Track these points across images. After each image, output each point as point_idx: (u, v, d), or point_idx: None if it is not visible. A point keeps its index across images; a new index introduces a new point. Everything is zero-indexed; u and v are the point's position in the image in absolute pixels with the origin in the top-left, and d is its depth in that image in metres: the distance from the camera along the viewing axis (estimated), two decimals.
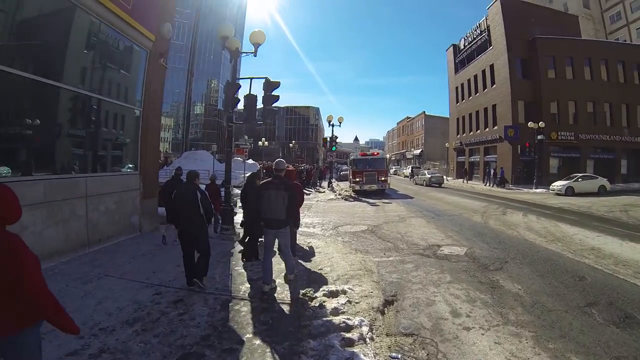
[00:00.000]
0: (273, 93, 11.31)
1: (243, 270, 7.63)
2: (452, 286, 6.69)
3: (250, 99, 11.13)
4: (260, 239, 8.02)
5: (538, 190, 29.86)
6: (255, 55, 11.12)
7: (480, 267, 7.91)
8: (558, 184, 27.33)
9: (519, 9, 38.89)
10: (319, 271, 7.64)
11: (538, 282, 6.90)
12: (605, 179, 27.73)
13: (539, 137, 32.32)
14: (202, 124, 75.12)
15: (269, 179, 6.72)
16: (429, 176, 37.97)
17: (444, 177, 42.89)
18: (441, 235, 11.45)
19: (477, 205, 19.31)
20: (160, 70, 12.07)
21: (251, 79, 12.01)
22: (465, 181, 43.12)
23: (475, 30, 44.54)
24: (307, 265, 8.14)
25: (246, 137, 36.25)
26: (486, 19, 41.73)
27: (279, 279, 6.93)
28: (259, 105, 11.49)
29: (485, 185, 37.86)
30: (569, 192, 26.06)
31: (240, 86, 11.43)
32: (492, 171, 38.17)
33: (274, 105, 11.48)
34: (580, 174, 28.43)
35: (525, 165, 35.75)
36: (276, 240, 6.79)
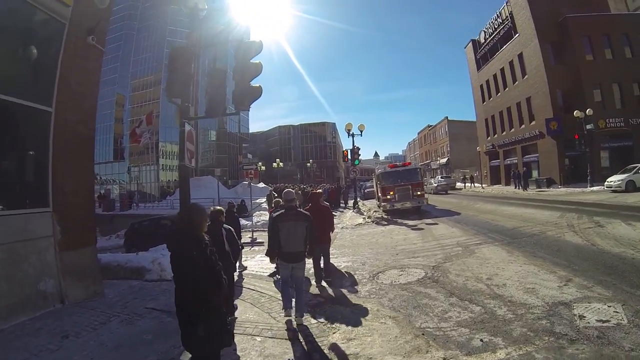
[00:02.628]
0: (253, 61, 7.16)
1: None
2: None
3: (216, 75, 7.48)
4: None
5: (595, 189, 25.54)
6: None
7: None
8: (615, 179, 23.20)
9: None
10: None
11: None
12: None
13: (588, 126, 28.09)
14: (215, 150, 71.85)
15: (283, 211, 6.49)
16: (435, 185, 34.69)
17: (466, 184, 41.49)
18: (549, 276, 7.24)
19: (547, 216, 15.19)
20: (90, 53, 8.61)
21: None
22: (517, 187, 37.95)
23: (496, 20, 40.98)
24: None
25: (250, 155, 32.69)
26: (507, 5, 38.06)
27: None
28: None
29: (517, 189, 34.80)
30: (630, 187, 21.95)
31: (195, 54, 7.75)
32: (519, 172, 35.77)
33: (256, 83, 7.12)
34: None
35: (572, 162, 31.22)
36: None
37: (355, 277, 9.06)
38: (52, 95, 7.67)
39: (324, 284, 8.58)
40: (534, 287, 6.67)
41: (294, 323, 6.08)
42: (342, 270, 9.86)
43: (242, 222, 21.86)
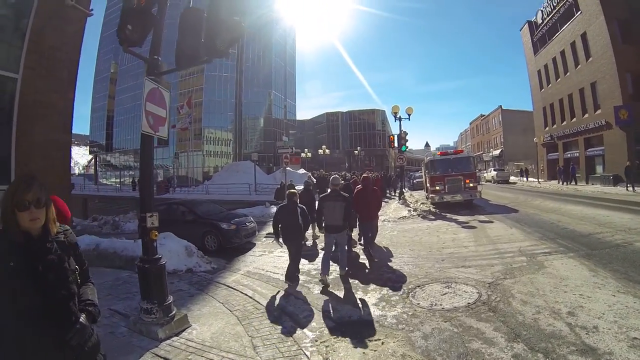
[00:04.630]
0: None
1: None
2: None
3: (191, 16, 5.29)
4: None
5: None
6: None
7: None
8: None
9: None
10: None
11: None
12: None
13: None
14: (263, 136, 71.21)
15: (328, 193, 8.26)
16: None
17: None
18: None
19: (627, 220, 12.53)
20: (69, 15, 7.67)
21: None
22: (563, 183, 35.40)
23: None
24: None
25: (285, 138, 30.82)
26: None
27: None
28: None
29: (562, 184, 34.48)
30: None
31: None
32: (568, 167, 35.24)
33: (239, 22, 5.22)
34: None
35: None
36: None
37: (384, 291, 7.05)
38: (19, 60, 6.70)
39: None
40: None
41: (323, 278, 7.75)
42: (368, 280, 7.95)
43: (274, 209, 20.54)
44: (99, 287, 7.04)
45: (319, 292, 7.34)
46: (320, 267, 8.14)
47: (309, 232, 10.90)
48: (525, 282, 6.75)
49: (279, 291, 7.44)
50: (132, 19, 5.16)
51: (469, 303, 5.98)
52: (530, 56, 45.67)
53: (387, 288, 7.17)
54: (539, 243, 9.99)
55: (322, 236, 10.89)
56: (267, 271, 9.21)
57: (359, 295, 7.03)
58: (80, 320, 2.20)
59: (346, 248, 8.48)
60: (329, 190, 8.33)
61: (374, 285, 7.45)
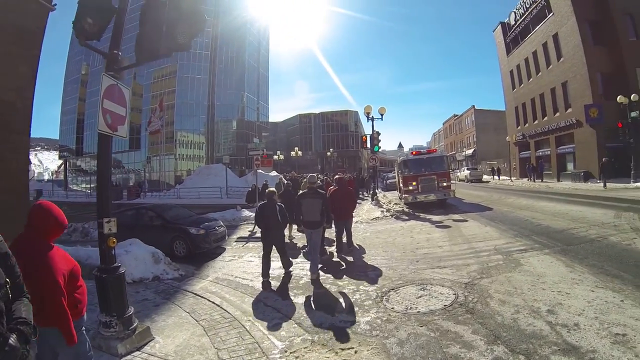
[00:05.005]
0: None
1: None
2: None
3: (152, 7, 5.04)
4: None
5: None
6: None
7: None
8: None
9: None
10: None
11: None
12: None
13: (633, 114, 25.17)
14: (236, 139, 70.72)
15: (305, 191, 8.90)
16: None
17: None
18: None
19: (600, 215, 12.64)
20: (29, 9, 7.43)
21: None
22: (531, 180, 36.41)
23: None
24: None
25: (256, 140, 30.16)
26: None
27: None
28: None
29: (530, 180, 36.13)
30: None
31: None
32: (533, 165, 37.50)
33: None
34: None
35: (612, 154, 28.20)
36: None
37: (357, 295, 6.74)
38: None
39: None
40: (626, 332, 4.32)
41: (313, 276, 8.01)
42: (341, 283, 7.67)
43: (246, 213, 20.07)
44: None
45: (289, 297, 7.04)
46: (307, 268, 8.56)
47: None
48: (502, 281, 6.54)
49: (247, 298, 7.11)
50: (90, 10, 4.83)
51: (445, 305, 5.72)
52: (503, 57, 46.17)
53: (360, 292, 6.86)
54: (514, 240, 9.86)
55: (296, 237, 12.37)
56: (236, 277, 8.85)
57: (330, 300, 6.72)
58: (10, 341, 1.91)
59: (318, 250, 8.71)
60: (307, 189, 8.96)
61: (347, 289, 7.14)
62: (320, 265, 8.62)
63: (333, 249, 10.74)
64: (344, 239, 10.53)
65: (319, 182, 10.39)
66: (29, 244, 2.98)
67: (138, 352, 4.92)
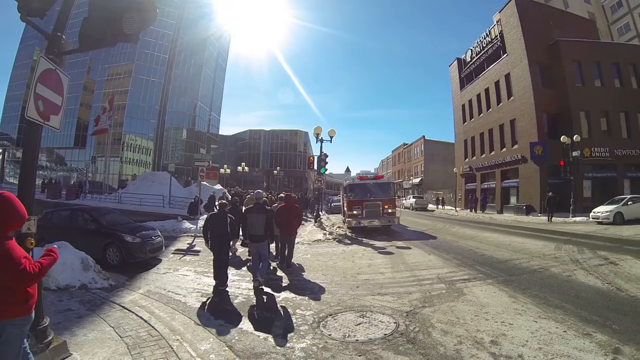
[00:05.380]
0: None
1: None
2: None
3: None
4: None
5: (578, 219, 24.15)
6: None
7: None
8: (602, 210, 21.55)
9: (534, 11, 34.62)
10: None
11: None
12: None
13: (574, 153, 26.30)
14: (185, 148, 69.36)
15: (252, 205, 9.46)
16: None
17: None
18: (584, 341, 4.90)
19: (540, 247, 12.97)
20: None
21: None
22: (473, 211, 38.24)
23: (485, 39, 39.45)
24: None
25: (203, 150, 29.17)
26: (497, 24, 36.84)
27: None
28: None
29: (472, 211, 38.03)
30: (618, 219, 20.44)
31: None
32: (476, 197, 39.48)
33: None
34: (629, 196, 22.73)
35: (553, 189, 29.28)
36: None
37: (293, 319, 6.32)
38: None
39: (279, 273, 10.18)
40: None
41: (255, 283, 8.35)
42: (277, 305, 7.21)
43: (187, 225, 19.37)
44: None
45: (222, 316, 6.58)
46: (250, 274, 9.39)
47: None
48: (445, 311, 6.31)
49: (178, 315, 6.59)
50: None
51: (385, 334, 5.39)
52: (457, 91, 47.41)
53: (297, 316, 6.46)
54: (457, 270, 9.73)
55: (239, 250, 13.16)
56: (168, 291, 8.31)
57: (265, 322, 6.27)
58: None
59: (267, 259, 9.36)
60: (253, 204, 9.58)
61: (282, 313, 6.73)
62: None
63: (275, 263, 10.91)
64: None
65: (264, 198, 10.52)
66: None
67: None
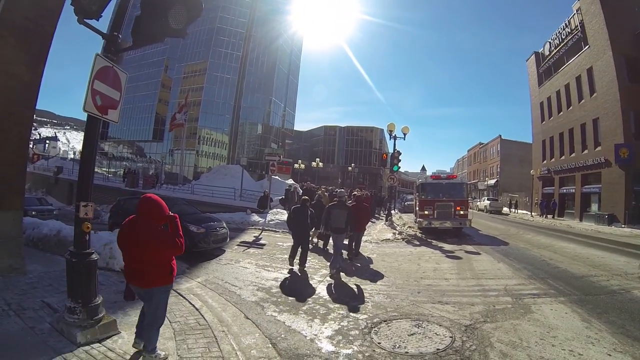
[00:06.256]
0: None
1: None
2: None
3: None
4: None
5: None
6: None
7: None
8: None
9: None
10: None
11: None
12: None
13: None
14: (261, 143, 70.62)
15: (336, 202, 10.76)
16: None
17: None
18: None
19: (623, 263, 11.73)
20: None
21: None
22: (545, 216, 36.66)
23: (564, 30, 36.99)
24: None
25: (274, 145, 29.44)
26: (577, 13, 34.16)
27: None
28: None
29: (542, 216, 37.08)
30: None
31: None
32: (546, 202, 38.18)
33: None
34: None
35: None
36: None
37: (344, 322, 6.13)
38: None
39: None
40: None
41: (329, 274, 9.58)
42: (333, 306, 7.08)
43: (255, 218, 19.71)
44: (44, 275, 7.52)
45: (272, 312, 6.52)
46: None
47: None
48: (507, 329, 5.83)
49: (229, 306, 6.66)
50: None
51: (438, 349, 5.06)
52: (535, 87, 45.07)
53: (349, 319, 6.26)
54: (527, 282, 9.09)
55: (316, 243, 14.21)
56: (225, 282, 8.46)
57: (315, 322, 6.12)
58: None
59: (340, 251, 10.38)
60: (336, 200, 10.97)
61: (335, 314, 6.55)
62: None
63: (346, 254, 11.98)
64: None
65: (346, 196, 12.25)
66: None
67: (97, 344, 4.64)
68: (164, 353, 4.47)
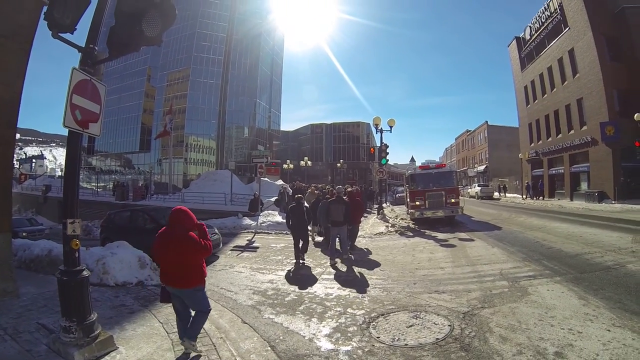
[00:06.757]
0: None
1: None
2: None
3: None
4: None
5: None
6: None
7: None
8: None
9: None
10: None
11: None
12: None
13: None
14: (247, 145, 70.23)
15: (334, 197, 11.78)
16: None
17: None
18: None
19: (615, 239, 11.75)
20: (23, 3, 7.35)
21: None
22: (535, 198, 36.72)
23: (544, 13, 36.97)
24: None
25: (261, 147, 29.50)
26: None
27: None
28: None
29: (532, 198, 36.84)
30: None
31: None
32: (537, 183, 38.13)
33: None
34: None
35: (628, 174, 27.19)
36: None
37: (342, 319, 6.10)
38: None
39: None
40: None
41: (337, 262, 10.80)
42: (329, 302, 7.07)
43: (247, 221, 19.63)
44: (38, 297, 7.33)
45: (269, 315, 6.49)
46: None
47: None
48: (505, 313, 5.82)
49: (226, 312, 6.63)
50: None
51: (437, 339, 5.03)
52: (518, 72, 45.22)
53: (346, 315, 6.24)
54: (522, 265, 9.10)
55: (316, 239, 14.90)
56: (221, 288, 8.42)
57: (313, 322, 6.09)
58: None
59: (346, 240, 11.68)
60: (335, 196, 11.96)
61: (332, 311, 6.53)
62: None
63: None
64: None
65: (342, 191, 12.93)
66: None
67: None
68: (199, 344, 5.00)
